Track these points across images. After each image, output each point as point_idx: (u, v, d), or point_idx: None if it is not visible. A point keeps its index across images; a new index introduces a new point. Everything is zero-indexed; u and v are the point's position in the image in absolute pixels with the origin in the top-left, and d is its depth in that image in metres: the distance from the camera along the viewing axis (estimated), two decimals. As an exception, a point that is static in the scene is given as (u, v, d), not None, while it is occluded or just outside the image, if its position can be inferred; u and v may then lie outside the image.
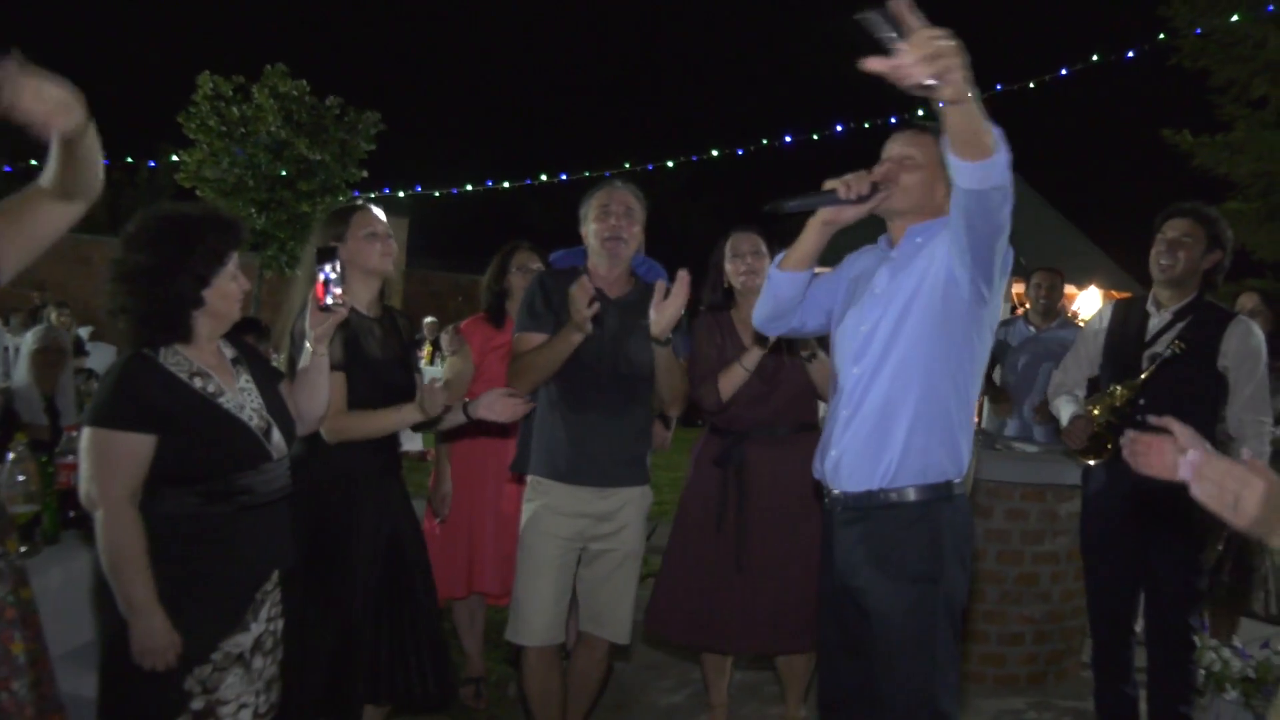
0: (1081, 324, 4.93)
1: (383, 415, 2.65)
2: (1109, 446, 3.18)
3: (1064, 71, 11.40)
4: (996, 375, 5.31)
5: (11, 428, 4.26)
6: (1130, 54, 11.20)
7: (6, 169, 14.29)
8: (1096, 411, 3.23)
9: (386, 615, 2.69)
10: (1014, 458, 4.25)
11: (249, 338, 4.25)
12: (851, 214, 2.19)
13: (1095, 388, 3.44)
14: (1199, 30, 12.43)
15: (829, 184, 2.17)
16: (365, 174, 15.04)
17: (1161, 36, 11.92)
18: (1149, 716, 3.32)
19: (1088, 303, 12.05)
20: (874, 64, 1.59)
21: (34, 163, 1.81)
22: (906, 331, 2.16)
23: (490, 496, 3.64)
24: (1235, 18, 12.02)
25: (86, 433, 2.05)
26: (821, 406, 3.23)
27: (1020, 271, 3.91)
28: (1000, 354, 5.28)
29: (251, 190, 13.95)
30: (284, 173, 14.03)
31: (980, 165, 1.78)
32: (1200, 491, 1.46)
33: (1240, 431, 3.14)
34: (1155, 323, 3.26)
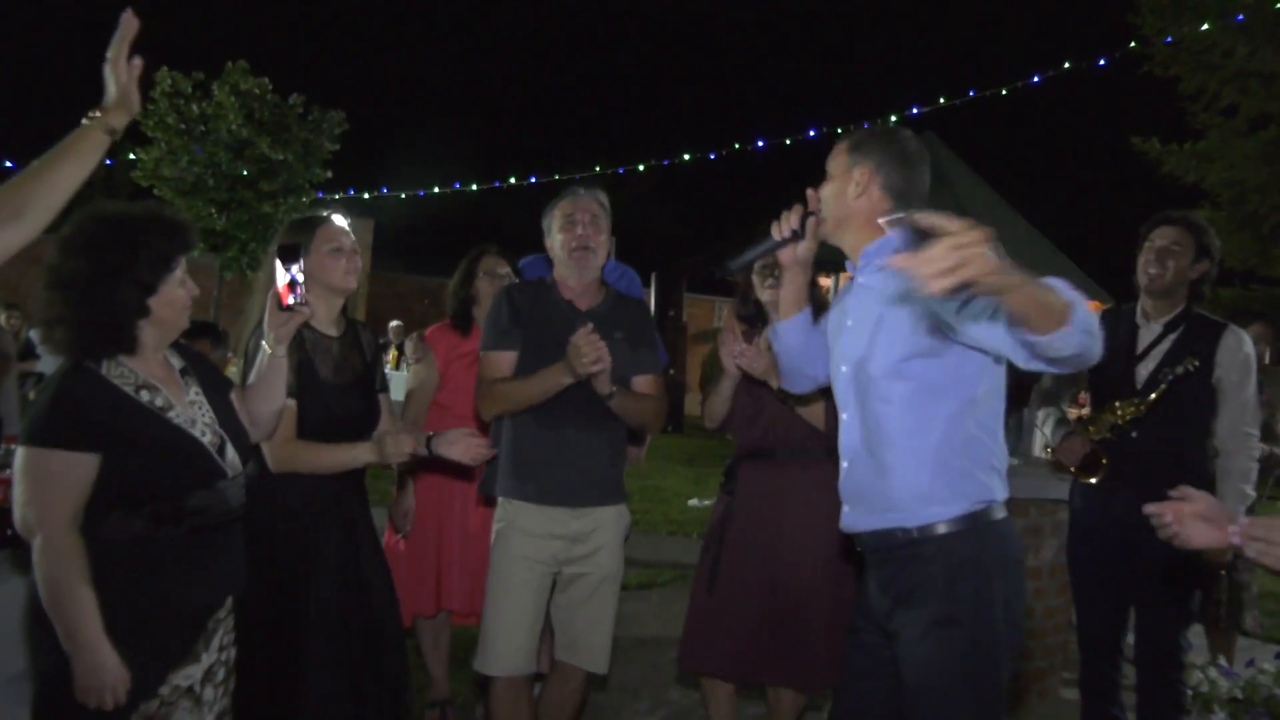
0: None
1: (332, 451, 2.49)
2: (1104, 462, 3.09)
3: (1036, 79, 11.46)
4: None
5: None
6: (1102, 61, 11.28)
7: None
8: (1093, 430, 3.14)
9: (343, 644, 2.50)
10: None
11: (204, 343, 4.00)
12: (802, 250, 2.23)
13: (1077, 400, 3.35)
14: (1169, 39, 12.54)
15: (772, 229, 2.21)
16: (329, 174, 14.88)
17: (1133, 45, 12.02)
18: (1137, 737, 3.24)
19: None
20: (900, 261, 1.45)
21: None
22: (879, 364, 2.01)
23: (458, 511, 3.49)
24: (1205, 26, 12.15)
25: (21, 452, 1.90)
26: None
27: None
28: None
29: (211, 190, 13.72)
30: (245, 172, 13.80)
31: (1053, 337, 1.61)
32: (1253, 552, 1.58)
33: (1226, 445, 3.07)
34: (1146, 335, 3.19)
